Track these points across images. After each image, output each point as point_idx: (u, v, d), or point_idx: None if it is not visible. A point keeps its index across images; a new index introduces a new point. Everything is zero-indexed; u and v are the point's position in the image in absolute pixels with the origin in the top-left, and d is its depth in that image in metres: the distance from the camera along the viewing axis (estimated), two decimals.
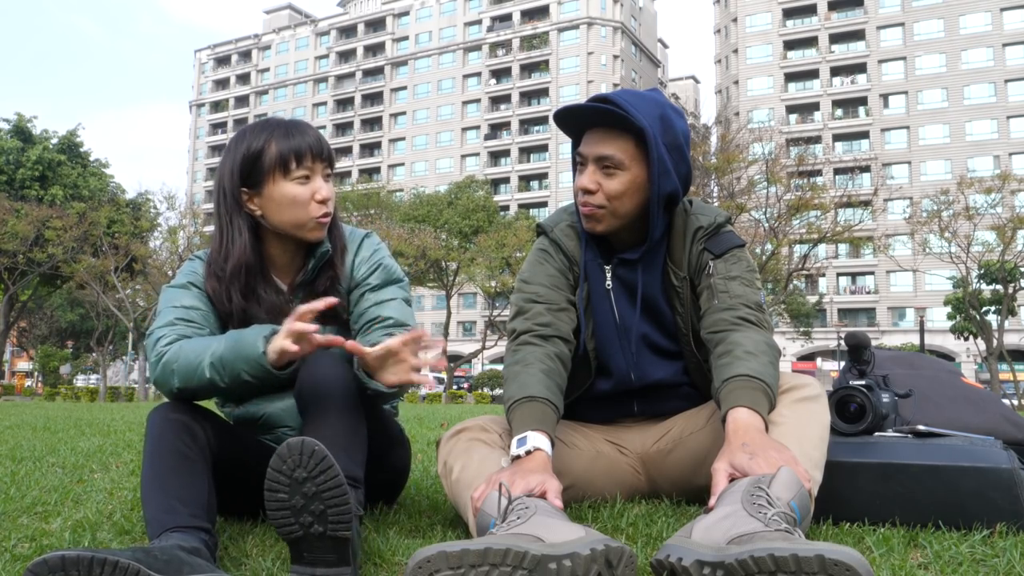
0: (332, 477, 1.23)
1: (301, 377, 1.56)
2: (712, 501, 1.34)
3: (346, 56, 79.40)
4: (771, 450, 1.40)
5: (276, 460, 1.23)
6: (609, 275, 1.87)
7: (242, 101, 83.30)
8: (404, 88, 75.38)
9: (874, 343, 2.16)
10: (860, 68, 59.22)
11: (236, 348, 1.51)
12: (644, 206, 1.79)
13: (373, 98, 77.32)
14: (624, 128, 1.74)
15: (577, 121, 1.81)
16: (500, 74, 72.05)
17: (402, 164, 73.99)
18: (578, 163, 1.82)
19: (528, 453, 1.51)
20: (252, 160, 1.66)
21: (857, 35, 59.69)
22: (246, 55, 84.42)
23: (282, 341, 1.47)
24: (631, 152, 1.74)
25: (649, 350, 1.90)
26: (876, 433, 1.83)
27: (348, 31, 79.91)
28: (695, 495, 1.86)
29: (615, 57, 68.12)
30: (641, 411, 1.96)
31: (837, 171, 49.94)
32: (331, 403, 1.52)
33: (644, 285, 1.86)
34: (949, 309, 36.59)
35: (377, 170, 74.58)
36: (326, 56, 79.71)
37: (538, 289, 1.85)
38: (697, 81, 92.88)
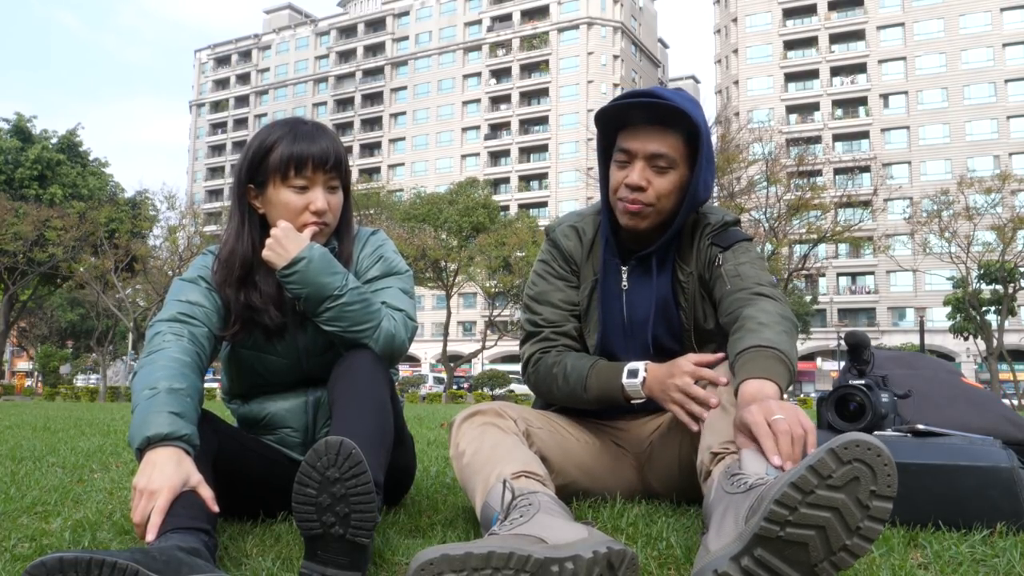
0: (363, 483, 1.24)
1: (337, 371, 1.60)
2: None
3: (346, 56, 79.37)
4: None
5: (312, 455, 1.24)
6: (625, 276, 1.86)
7: (242, 101, 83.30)
8: (404, 88, 75.38)
9: (874, 343, 2.15)
10: (860, 68, 59.22)
11: (138, 422, 1.43)
12: (681, 206, 1.77)
13: (373, 98, 77.31)
14: (674, 126, 1.71)
15: (616, 116, 1.75)
16: (500, 74, 72.03)
17: (402, 164, 73.99)
18: (620, 160, 1.76)
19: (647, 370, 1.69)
20: (260, 157, 1.69)
21: (857, 35, 59.68)
22: (246, 55, 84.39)
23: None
24: (681, 151, 1.72)
25: (658, 353, 1.87)
26: (875, 432, 1.82)
27: (348, 31, 79.89)
28: (683, 494, 1.86)
29: (615, 57, 68.09)
30: (643, 406, 1.96)
31: (837, 171, 49.90)
32: (366, 401, 1.54)
33: (659, 287, 1.83)
34: (949, 309, 36.58)
35: (377, 170, 74.57)
36: (326, 56, 79.71)
37: (545, 312, 1.89)
38: (697, 81, 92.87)
